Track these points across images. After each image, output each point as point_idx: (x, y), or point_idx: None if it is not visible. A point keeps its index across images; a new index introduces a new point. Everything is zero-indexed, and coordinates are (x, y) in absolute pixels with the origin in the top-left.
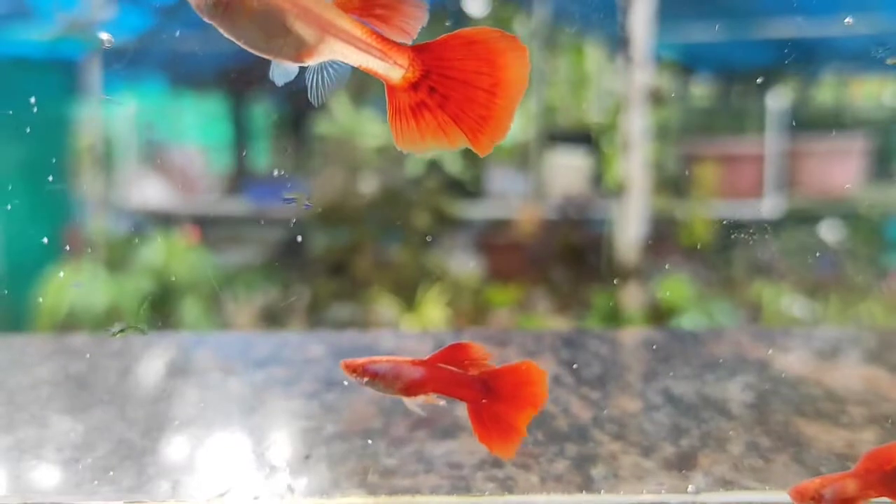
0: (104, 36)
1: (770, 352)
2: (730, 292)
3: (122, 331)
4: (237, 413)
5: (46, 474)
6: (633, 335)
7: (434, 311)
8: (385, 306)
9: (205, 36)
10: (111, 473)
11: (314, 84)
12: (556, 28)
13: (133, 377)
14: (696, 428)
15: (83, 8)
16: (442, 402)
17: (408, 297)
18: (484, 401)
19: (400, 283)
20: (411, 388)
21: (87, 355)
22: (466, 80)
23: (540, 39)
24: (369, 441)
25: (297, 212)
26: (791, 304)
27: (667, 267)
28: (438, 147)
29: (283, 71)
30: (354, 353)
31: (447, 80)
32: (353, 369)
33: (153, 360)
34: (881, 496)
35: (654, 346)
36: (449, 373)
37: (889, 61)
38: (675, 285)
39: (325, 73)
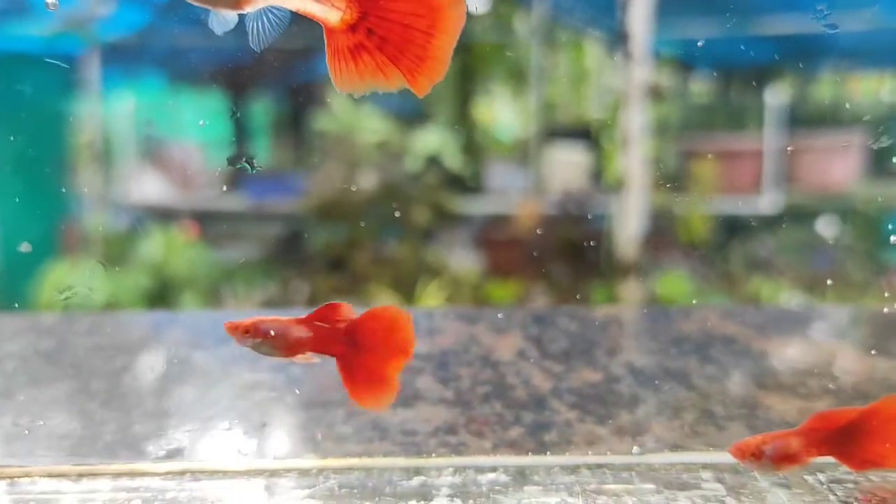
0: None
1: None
2: (728, 288)
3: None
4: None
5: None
6: (603, 313)
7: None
8: (384, 301)
9: (204, 32)
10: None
11: (255, 31)
12: (555, 25)
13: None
14: (654, 396)
15: (82, 4)
16: (316, 360)
17: (407, 292)
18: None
19: (399, 278)
20: (294, 348)
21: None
22: (404, 22)
23: (539, 36)
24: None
25: (297, 208)
26: (789, 299)
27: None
28: (377, 87)
29: (222, 20)
30: None
31: (385, 22)
32: (240, 329)
33: (123, 336)
34: (825, 455)
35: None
36: (320, 329)
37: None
38: (674, 281)
39: (264, 19)
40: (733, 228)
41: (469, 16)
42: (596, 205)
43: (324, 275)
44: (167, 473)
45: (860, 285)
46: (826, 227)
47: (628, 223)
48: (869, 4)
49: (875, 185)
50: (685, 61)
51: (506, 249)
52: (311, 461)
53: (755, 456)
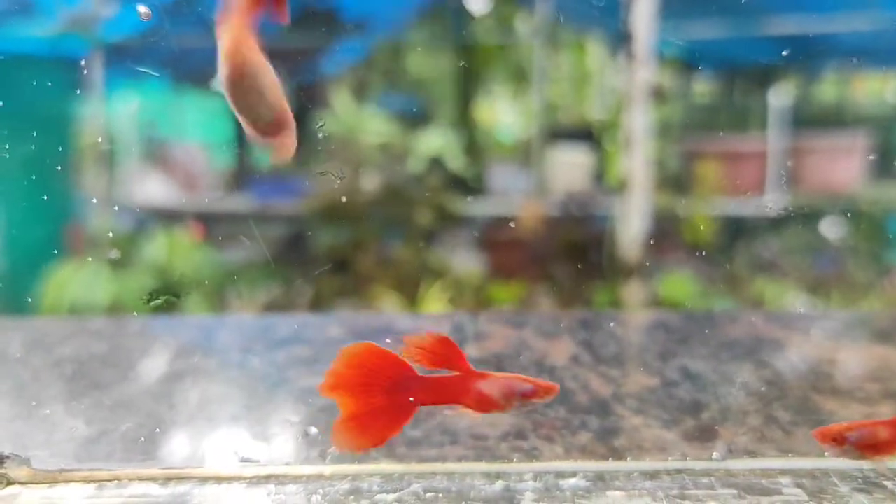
0: (142, 9)
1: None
2: (732, 289)
3: (157, 300)
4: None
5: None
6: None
7: (436, 309)
8: (387, 303)
9: (207, 33)
10: (142, 440)
11: None
12: (557, 25)
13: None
14: (716, 402)
15: (85, 4)
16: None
17: (410, 294)
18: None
19: (402, 280)
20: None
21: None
22: None
23: (542, 36)
24: None
25: (299, 210)
26: (794, 301)
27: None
28: None
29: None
30: (370, 334)
31: None
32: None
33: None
34: None
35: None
36: None
37: None
38: (677, 282)
39: None
40: (737, 229)
41: (471, 17)
42: (598, 206)
43: (327, 276)
44: (252, 478)
45: (864, 286)
46: (830, 229)
47: (631, 224)
48: (873, 5)
49: (880, 187)
50: (688, 62)
51: (508, 251)
52: (392, 465)
53: (837, 441)
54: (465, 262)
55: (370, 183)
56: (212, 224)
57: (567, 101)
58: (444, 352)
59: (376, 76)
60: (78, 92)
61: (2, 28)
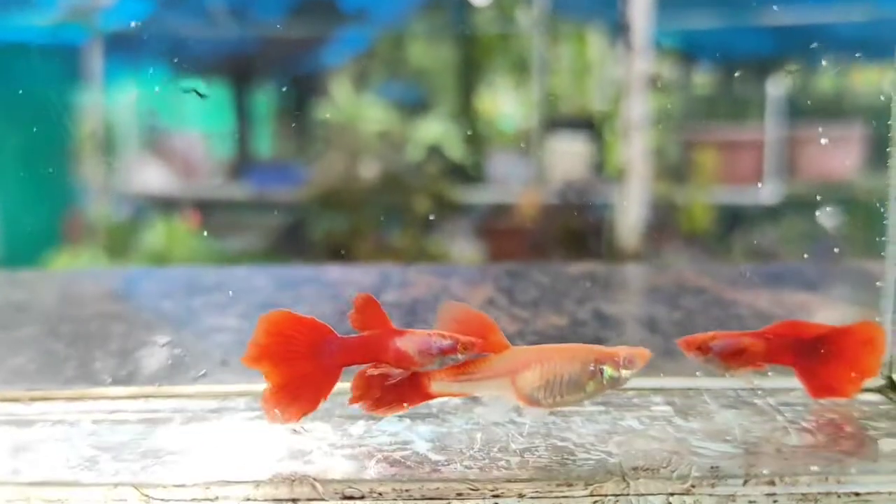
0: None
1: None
2: None
3: None
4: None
5: None
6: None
7: None
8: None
9: (207, 22)
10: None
11: None
12: (557, 16)
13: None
14: (617, 339)
15: None
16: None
17: None
18: None
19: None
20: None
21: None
22: None
23: (542, 27)
24: None
25: (298, 197)
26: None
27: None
28: None
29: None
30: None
31: None
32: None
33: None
34: (783, 364)
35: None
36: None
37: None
38: None
39: None
40: (734, 218)
41: (473, 7)
42: (597, 195)
43: (325, 263)
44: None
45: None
46: (827, 218)
47: (629, 213)
48: None
49: (876, 176)
50: (686, 52)
51: (507, 239)
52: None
53: (702, 350)
54: (464, 249)
55: (369, 171)
56: (210, 212)
57: (567, 90)
58: (368, 310)
59: (378, 66)
60: (77, 81)
61: (2, 17)
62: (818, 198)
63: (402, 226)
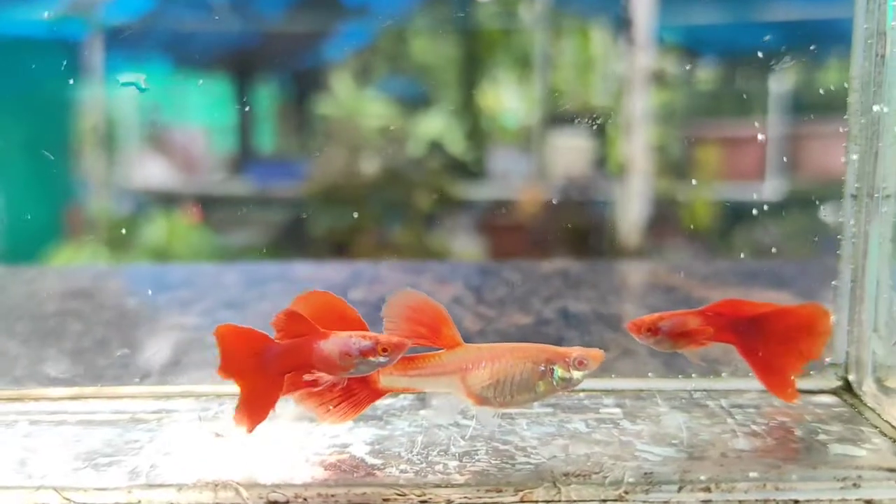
0: None
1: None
2: None
3: None
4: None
5: None
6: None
7: None
8: None
9: (208, 17)
10: None
11: None
12: (560, 11)
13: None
14: (579, 338)
15: None
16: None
17: None
18: None
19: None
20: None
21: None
22: None
23: (544, 22)
24: None
25: (300, 193)
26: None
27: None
28: None
29: None
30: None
31: None
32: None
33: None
34: (725, 342)
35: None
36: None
37: None
38: None
39: None
40: (737, 215)
41: (475, 2)
42: (599, 191)
43: (326, 260)
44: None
45: None
46: (830, 214)
47: (631, 209)
48: None
49: None
50: (689, 47)
51: (508, 235)
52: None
53: (651, 331)
54: (466, 245)
55: (370, 166)
56: (211, 207)
57: (569, 86)
58: (294, 325)
59: (379, 61)
60: (78, 75)
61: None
62: (814, 199)
63: (403, 221)
